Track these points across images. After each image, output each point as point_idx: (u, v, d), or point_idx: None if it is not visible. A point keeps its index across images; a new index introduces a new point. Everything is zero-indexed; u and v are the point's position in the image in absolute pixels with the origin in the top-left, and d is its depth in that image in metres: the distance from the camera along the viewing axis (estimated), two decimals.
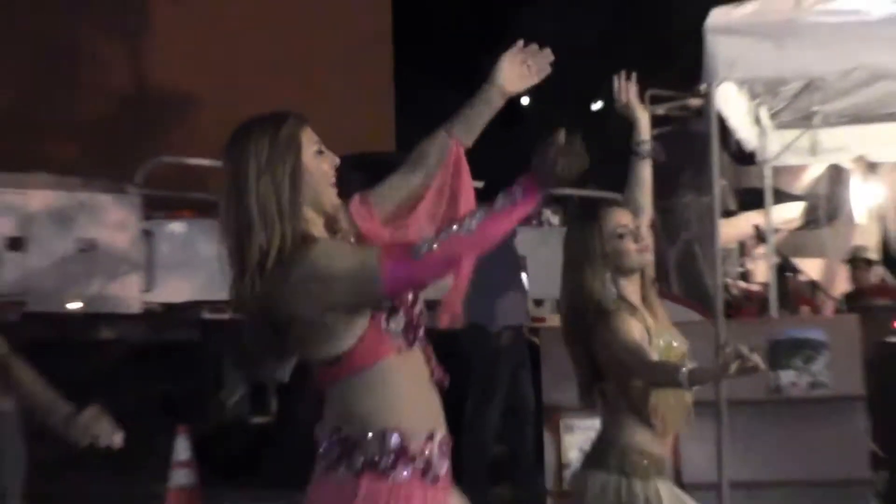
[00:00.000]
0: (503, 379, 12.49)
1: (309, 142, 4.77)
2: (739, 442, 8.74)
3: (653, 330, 6.09)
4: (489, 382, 12.44)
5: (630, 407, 6.04)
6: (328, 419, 4.85)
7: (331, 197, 4.83)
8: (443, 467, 4.81)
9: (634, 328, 6.02)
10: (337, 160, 4.84)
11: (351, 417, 4.79)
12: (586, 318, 6.12)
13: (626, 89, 6.39)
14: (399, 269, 4.58)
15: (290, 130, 4.79)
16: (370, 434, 4.73)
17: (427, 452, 4.77)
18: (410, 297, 4.80)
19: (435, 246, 4.56)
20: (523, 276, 13.38)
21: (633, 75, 6.21)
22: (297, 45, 27.06)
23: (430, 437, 4.79)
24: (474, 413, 12.32)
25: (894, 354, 10.87)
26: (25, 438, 12.17)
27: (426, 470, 4.77)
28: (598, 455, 6.18)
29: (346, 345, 4.74)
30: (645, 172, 6.59)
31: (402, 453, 4.73)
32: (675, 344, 6.15)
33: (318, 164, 4.79)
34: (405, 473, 4.72)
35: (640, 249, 6.17)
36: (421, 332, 4.85)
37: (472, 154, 5.17)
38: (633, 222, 6.24)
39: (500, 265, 11.50)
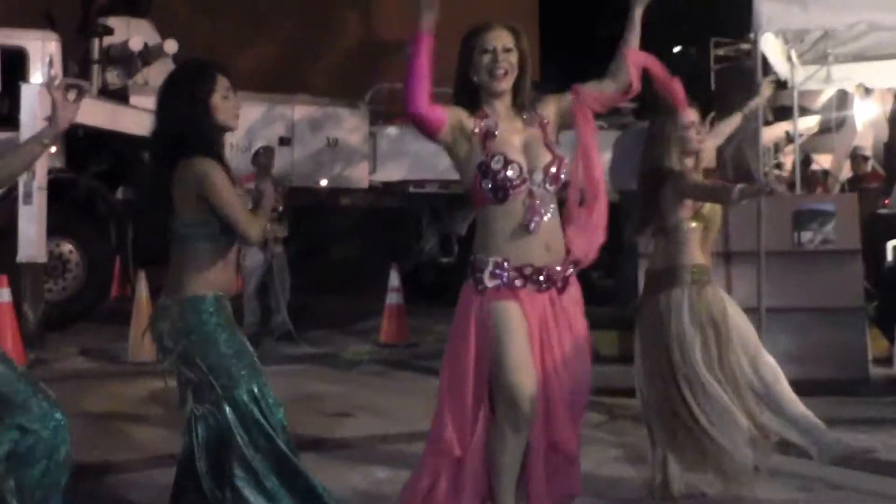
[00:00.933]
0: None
1: None
2: (773, 280, 8.61)
3: None
4: None
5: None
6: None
7: None
8: (524, 283, 4.75)
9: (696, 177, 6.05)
10: None
11: (476, 245, 4.89)
12: (659, 177, 6.04)
13: None
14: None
15: None
16: (475, 257, 4.84)
17: (505, 275, 4.74)
18: (497, 165, 4.72)
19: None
20: None
21: None
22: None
23: (512, 264, 4.75)
24: None
25: (881, 221, 10.62)
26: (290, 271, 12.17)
27: (507, 285, 4.74)
28: (668, 277, 6.02)
29: (466, 188, 4.92)
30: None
31: (490, 272, 4.76)
32: None
33: None
34: (490, 285, 4.74)
35: (700, 140, 6.11)
36: (512, 192, 4.73)
37: None
38: (698, 118, 6.12)
39: None
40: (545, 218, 4.79)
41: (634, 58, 4.96)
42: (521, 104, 4.93)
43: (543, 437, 4.81)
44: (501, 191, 4.73)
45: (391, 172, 16.34)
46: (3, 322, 11.07)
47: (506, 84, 4.84)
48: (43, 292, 12.64)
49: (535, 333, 4.75)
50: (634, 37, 5.05)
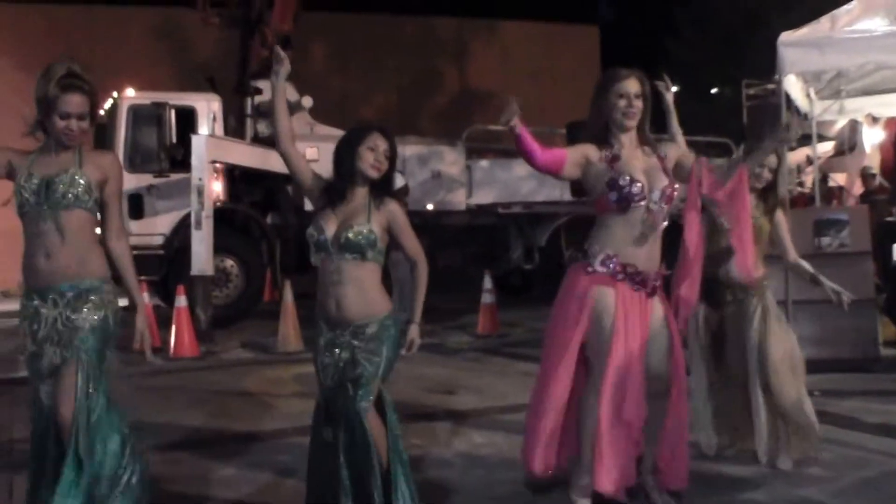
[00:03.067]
0: None
1: None
2: (798, 278, 8.41)
3: None
4: None
5: None
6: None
7: None
8: (626, 277, 4.78)
9: None
10: None
11: (590, 238, 4.91)
12: None
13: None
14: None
15: None
16: (589, 247, 4.86)
17: (612, 266, 4.78)
18: (625, 182, 4.74)
19: None
20: None
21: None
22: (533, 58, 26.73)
23: (619, 260, 4.78)
24: None
25: (888, 227, 10.36)
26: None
27: (612, 274, 4.78)
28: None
29: (594, 196, 4.90)
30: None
31: (601, 260, 4.80)
32: None
33: None
34: (600, 270, 4.79)
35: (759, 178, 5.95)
36: (637, 204, 4.76)
37: None
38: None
39: None
40: (657, 231, 4.85)
41: (743, 175, 4.95)
42: (644, 140, 4.97)
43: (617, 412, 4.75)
44: (625, 201, 4.76)
45: (484, 197, 16.30)
46: (181, 322, 11.30)
47: (634, 123, 4.88)
48: (211, 298, 12.80)
49: (621, 319, 4.75)
50: (758, 161, 5.23)
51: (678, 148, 5.23)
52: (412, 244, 4.65)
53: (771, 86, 12.82)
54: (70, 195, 4.13)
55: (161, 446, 6.63)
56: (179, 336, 11.22)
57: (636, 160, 4.86)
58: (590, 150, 4.87)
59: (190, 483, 5.76)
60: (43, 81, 4.10)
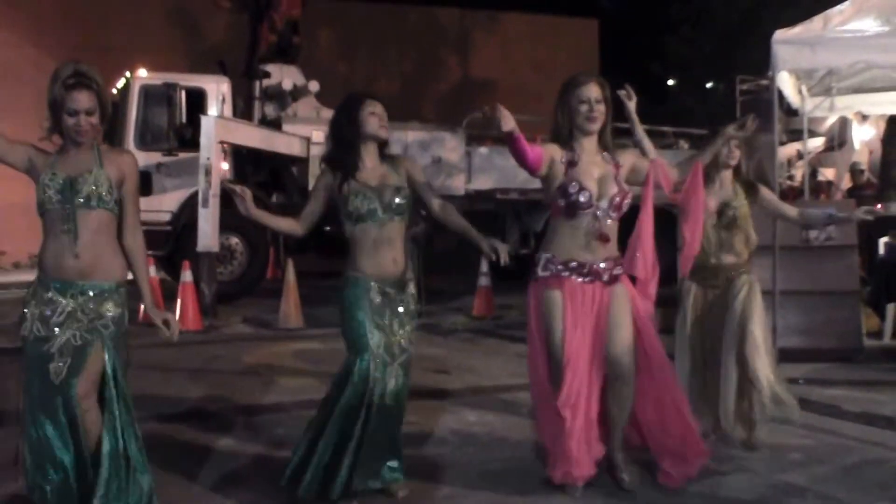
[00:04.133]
0: None
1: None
2: (785, 269, 8.45)
3: None
4: None
5: None
6: None
7: None
8: (571, 272, 4.83)
9: None
10: None
11: (542, 243, 5.05)
12: None
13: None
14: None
15: None
16: (538, 255, 4.97)
17: (553, 266, 4.86)
18: (573, 190, 4.79)
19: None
20: None
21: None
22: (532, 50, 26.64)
23: (563, 260, 4.84)
24: None
25: (874, 222, 10.28)
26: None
27: (555, 274, 4.85)
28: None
29: (548, 199, 4.97)
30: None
31: (543, 265, 4.90)
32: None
33: None
34: (543, 275, 4.89)
35: (732, 157, 5.86)
36: (583, 211, 4.80)
37: None
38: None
39: None
40: (603, 239, 4.86)
41: (698, 170, 5.11)
42: (604, 145, 4.97)
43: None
44: (572, 209, 4.80)
45: (482, 183, 16.21)
46: (186, 297, 11.27)
47: (596, 127, 4.89)
48: (216, 274, 12.77)
49: (570, 314, 4.82)
50: (710, 156, 5.29)
51: (634, 153, 5.20)
52: (430, 194, 5.04)
53: (764, 82, 12.79)
54: (94, 196, 4.11)
55: (163, 417, 6.62)
56: (184, 310, 11.17)
57: (593, 166, 4.89)
58: (555, 151, 4.89)
59: (190, 453, 5.74)
60: (51, 83, 4.10)
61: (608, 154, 4.95)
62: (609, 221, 4.85)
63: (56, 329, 4.08)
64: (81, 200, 4.10)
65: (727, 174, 5.88)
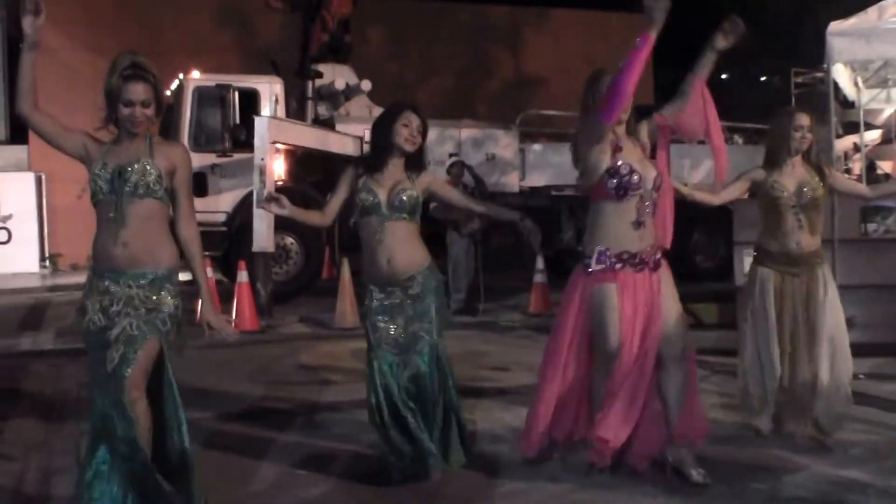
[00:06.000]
0: None
1: None
2: (844, 262, 8.37)
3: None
4: None
5: None
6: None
7: None
8: (624, 264, 4.88)
9: None
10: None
11: (586, 233, 5.10)
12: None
13: None
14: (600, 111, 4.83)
15: None
16: (584, 248, 5.04)
17: (607, 260, 4.89)
18: (626, 170, 4.86)
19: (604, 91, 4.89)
20: None
21: None
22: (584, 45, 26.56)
23: (617, 252, 4.88)
24: None
25: None
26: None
27: (609, 268, 4.89)
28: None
29: (589, 183, 5.00)
30: None
31: (596, 259, 4.92)
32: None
33: None
34: (597, 268, 4.91)
35: (804, 140, 5.84)
36: (631, 192, 4.87)
37: None
38: (808, 123, 5.86)
39: None
40: (648, 220, 4.96)
41: (700, 87, 5.04)
42: (630, 129, 5.08)
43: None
44: (623, 190, 4.87)
45: (536, 179, 16.25)
46: (242, 297, 11.40)
47: (625, 116, 4.98)
48: (271, 274, 12.91)
49: (628, 306, 4.90)
50: (706, 70, 5.08)
51: (644, 124, 5.16)
52: (459, 197, 5.49)
53: (819, 74, 12.69)
54: (142, 185, 4.16)
55: (222, 416, 6.74)
56: (240, 310, 11.31)
57: (631, 151, 4.99)
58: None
59: (248, 451, 5.83)
60: (109, 73, 4.16)
61: (633, 138, 5.07)
62: (650, 204, 4.96)
63: (115, 318, 4.15)
64: (129, 189, 4.15)
65: (798, 159, 5.87)
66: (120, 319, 4.14)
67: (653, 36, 4.66)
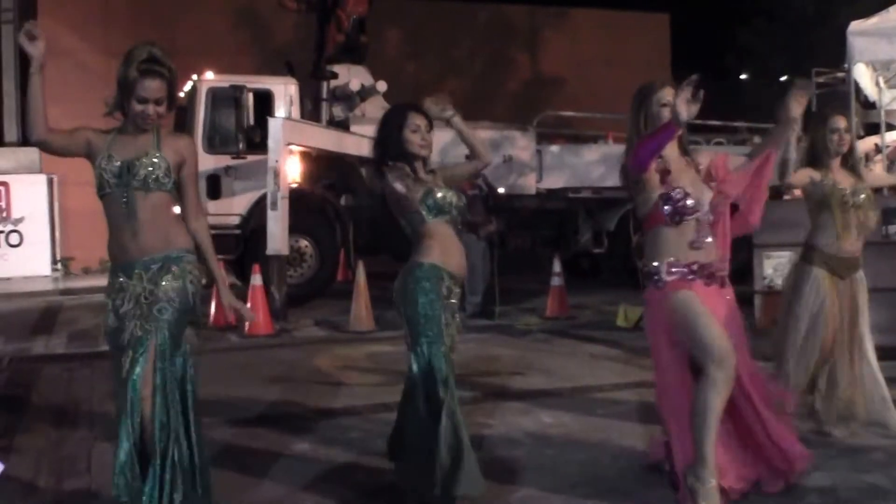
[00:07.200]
0: None
1: None
2: (866, 265, 8.29)
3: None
4: None
5: None
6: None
7: None
8: (696, 275, 4.68)
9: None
10: None
11: (646, 257, 4.81)
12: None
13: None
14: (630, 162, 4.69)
15: None
16: (648, 266, 4.76)
17: (678, 269, 4.68)
18: (678, 196, 4.68)
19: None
20: None
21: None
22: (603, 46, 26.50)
23: (686, 262, 4.69)
24: None
25: None
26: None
27: (682, 277, 4.67)
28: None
29: (644, 211, 4.80)
30: None
31: (666, 270, 4.69)
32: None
33: None
34: (669, 279, 4.68)
35: (841, 143, 5.86)
36: (688, 216, 4.69)
37: None
38: (844, 126, 5.86)
39: None
40: (707, 239, 4.76)
41: (765, 167, 4.96)
42: (683, 149, 4.93)
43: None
44: (679, 215, 4.70)
45: (554, 181, 16.21)
46: (256, 300, 11.41)
47: (678, 133, 4.71)
48: (286, 277, 12.92)
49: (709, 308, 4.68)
50: (776, 146, 5.05)
51: (709, 153, 5.13)
52: (461, 169, 5.65)
53: (840, 74, 12.64)
54: (150, 178, 4.17)
55: (237, 421, 6.74)
56: (255, 313, 11.31)
57: (683, 172, 4.78)
58: None
59: (265, 456, 5.83)
60: (124, 63, 4.13)
61: (688, 157, 4.90)
62: (708, 225, 4.78)
63: (125, 320, 4.18)
64: (138, 183, 4.16)
65: (837, 161, 5.88)
66: (128, 321, 4.18)
67: (679, 130, 4.50)
